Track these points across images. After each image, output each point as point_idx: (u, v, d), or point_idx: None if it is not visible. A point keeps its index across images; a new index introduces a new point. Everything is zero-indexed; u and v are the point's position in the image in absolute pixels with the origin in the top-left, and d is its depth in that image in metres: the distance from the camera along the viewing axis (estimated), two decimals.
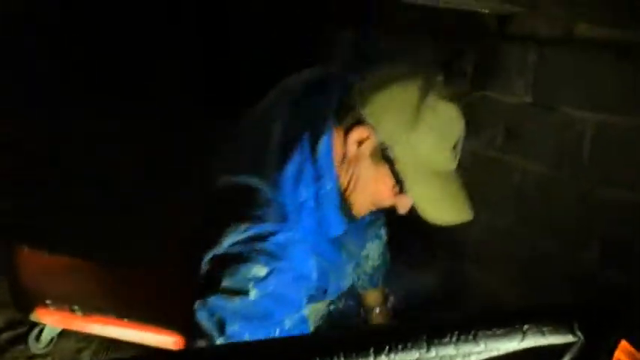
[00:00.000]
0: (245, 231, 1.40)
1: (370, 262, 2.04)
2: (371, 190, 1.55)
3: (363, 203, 1.59)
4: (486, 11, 1.96)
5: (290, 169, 1.48)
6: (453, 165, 1.54)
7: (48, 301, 1.81)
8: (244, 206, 1.44)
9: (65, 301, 1.83)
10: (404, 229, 1.97)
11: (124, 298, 1.96)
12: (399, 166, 1.47)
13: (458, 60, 2.69)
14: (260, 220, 1.42)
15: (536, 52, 2.32)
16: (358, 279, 2.06)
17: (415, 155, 1.46)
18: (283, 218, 1.45)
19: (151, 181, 3.91)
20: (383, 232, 2.10)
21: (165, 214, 2.95)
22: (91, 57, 5.30)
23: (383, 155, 1.48)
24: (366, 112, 1.48)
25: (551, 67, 2.28)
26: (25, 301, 1.91)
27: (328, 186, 1.52)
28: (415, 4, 1.93)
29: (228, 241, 1.41)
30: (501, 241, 2.46)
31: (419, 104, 1.46)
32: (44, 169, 4.12)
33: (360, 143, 1.50)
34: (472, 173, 2.60)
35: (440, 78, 1.52)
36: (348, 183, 1.54)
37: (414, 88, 1.47)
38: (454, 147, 1.51)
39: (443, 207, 1.50)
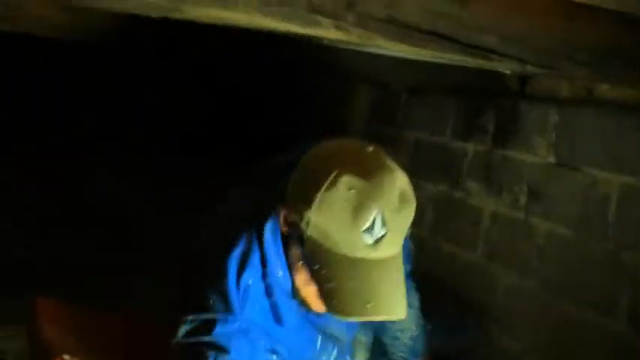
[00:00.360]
0: (192, 322, 1.40)
1: (408, 334, 1.88)
2: (303, 277, 1.38)
3: (303, 292, 1.42)
4: (507, 72, 1.96)
5: (235, 254, 1.42)
6: (371, 251, 1.26)
7: (66, 357, 1.79)
8: (198, 293, 1.43)
9: (83, 355, 1.81)
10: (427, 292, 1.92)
11: (142, 354, 1.93)
12: (307, 248, 1.31)
13: (478, 118, 2.68)
14: (205, 309, 1.41)
15: (558, 112, 2.32)
16: (397, 351, 1.90)
17: (323, 237, 1.26)
18: (227, 307, 1.40)
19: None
20: (415, 299, 1.91)
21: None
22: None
23: (296, 235, 1.33)
24: (287, 188, 1.35)
25: (573, 128, 2.26)
26: (43, 354, 1.90)
27: (279, 272, 1.42)
28: (436, 62, 1.92)
29: (181, 331, 1.41)
30: (525, 303, 2.41)
31: (320, 178, 1.26)
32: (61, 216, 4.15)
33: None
34: (494, 234, 2.57)
35: (370, 149, 1.31)
36: (288, 267, 1.42)
37: (322, 161, 1.30)
38: (369, 229, 1.24)
39: (350, 300, 1.27)
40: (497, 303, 2.52)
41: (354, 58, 2.29)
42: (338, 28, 1.38)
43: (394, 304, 1.28)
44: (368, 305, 1.25)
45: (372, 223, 1.23)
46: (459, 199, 2.75)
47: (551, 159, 2.33)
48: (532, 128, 2.42)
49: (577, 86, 2.28)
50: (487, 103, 2.64)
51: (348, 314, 1.28)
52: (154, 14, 1.49)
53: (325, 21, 1.37)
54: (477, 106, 2.70)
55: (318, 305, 1.39)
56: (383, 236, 1.24)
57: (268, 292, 1.44)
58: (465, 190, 2.72)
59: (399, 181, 1.28)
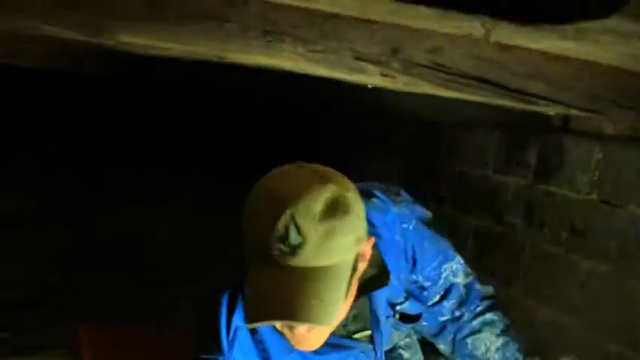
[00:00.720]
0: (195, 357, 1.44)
1: (493, 347, 1.69)
2: None
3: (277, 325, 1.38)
4: (551, 113, 1.94)
5: (226, 295, 1.42)
6: (288, 259, 1.22)
7: None
8: (198, 333, 1.46)
9: None
10: None
11: None
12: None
13: (521, 153, 2.67)
14: (202, 348, 1.43)
15: (602, 149, 2.29)
16: None
17: (247, 245, 1.27)
18: (219, 348, 1.41)
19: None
20: (491, 315, 1.70)
21: None
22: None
23: None
24: None
25: (617, 165, 2.23)
26: None
27: None
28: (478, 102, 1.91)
29: None
30: (566, 340, 2.38)
31: (251, 192, 1.28)
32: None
33: None
34: (535, 269, 2.55)
35: (312, 167, 1.30)
36: None
37: (262, 179, 1.30)
38: (283, 236, 1.21)
39: (254, 305, 1.26)
40: (537, 338, 2.49)
41: (394, 96, 2.29)
42: (384, 75, 1.39)
43: (303, 310, 1.22)
44: (272, 309, 1.22)
45: (285, 230, 1.20)
46: (500, 232, 2.73)
47: (594, 196, 2.30)
48: (575, 164, 2.39)
49: (621, 124, 2.25)
50: (530, 138, 2.62)
51: (251, 319, 1.25)
52: (198, 58, 1.51)
53: (371, 68, 1.38)
54: (519, 140, 2.68)
55: (294, 339, 1.36)
56: (300, 244, 1.21)
57: (253, 329, 1.43)
58: (506, 225, 2.70)
59: (328, 193, 1.23)
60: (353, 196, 1.27)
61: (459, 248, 1.72)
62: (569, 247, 2.39)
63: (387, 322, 1.54)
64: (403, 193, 1.59)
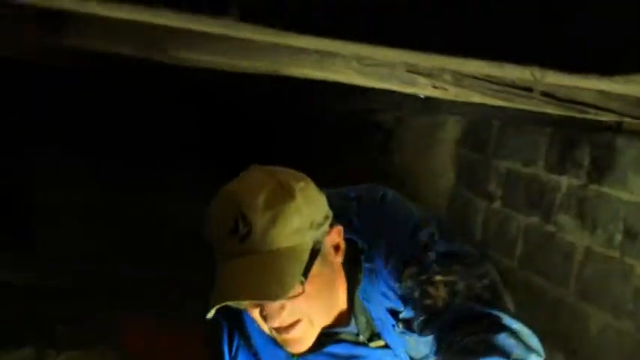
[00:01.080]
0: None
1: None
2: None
3: (263, 326, 1.40)
4: (603, 119, 1.92)
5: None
6: (240, 247, 1.28)
7: None
8: (206, 348, 1.56)
9: None
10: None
11: None
12: None
13: (573, 151, 2.64)
14: (212, 344, 1.51)
15: None
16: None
17: (212, 243, 1.34)
18: (221, 344, 1.50)
19: None
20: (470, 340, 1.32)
21: None
22: None
23: None
24: None
25: None
26: None
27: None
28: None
29: None
30: (619, 344, 2.35)
31: None
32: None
33: None
34: (587, 271, 2.52)
35: (266, 167, 1.37)
36: None
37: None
38: (234, 229, 1.28)
39: (215, 289, 1.31)
40: (590, 342, 2.47)
41: None
42: (435, 87, 1.40)
43: (250, 289, 1.28)
44: (222, 295, 1.28)
45: (234, 223, 1.27)
46: (550, 232, 2.70)
47: None
48: (629, 165, 2.36)
49: None
50: (582, 136, 2.59)
51: (207, 311, 1.28)
52: (251, 72, 1.54)
53: (422, 81, 1.39)
54: (571, 139, 2.65)
55: (280, 340, 1.39)
56: (248, 232, 1.27)
57: (247, 342, 1.48)
58: (557, 224, 2.68)
59: (272, 184, 1.30)
60: (302, 185, 1.33)
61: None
62: (623, 250, 2.36)
63: (393, 331, 1.48)
64: (381, 196, 1.49)
